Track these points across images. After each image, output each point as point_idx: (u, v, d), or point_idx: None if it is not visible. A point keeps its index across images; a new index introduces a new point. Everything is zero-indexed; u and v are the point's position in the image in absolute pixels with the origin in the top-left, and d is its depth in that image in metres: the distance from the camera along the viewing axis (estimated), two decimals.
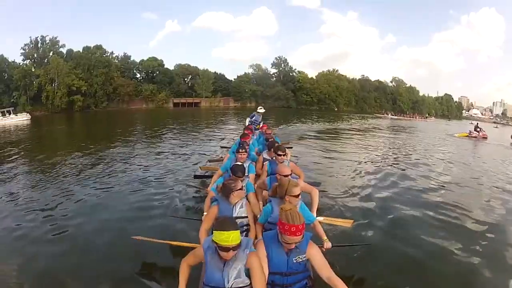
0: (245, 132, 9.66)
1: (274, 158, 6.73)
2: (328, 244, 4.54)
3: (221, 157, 10.81)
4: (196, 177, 9.79)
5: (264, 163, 7.12)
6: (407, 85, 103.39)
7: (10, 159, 16.17)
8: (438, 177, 12.98)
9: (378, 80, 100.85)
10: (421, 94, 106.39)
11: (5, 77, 61.90)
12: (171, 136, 25.34)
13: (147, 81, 77.36)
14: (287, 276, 3.43)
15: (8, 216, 8.08)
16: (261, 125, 13.10)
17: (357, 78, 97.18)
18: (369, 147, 21.98)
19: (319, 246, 3.64)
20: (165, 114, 58.27)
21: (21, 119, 49.75)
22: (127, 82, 73.07)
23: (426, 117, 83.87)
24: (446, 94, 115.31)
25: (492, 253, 6.49)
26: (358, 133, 33.21)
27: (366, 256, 5.87)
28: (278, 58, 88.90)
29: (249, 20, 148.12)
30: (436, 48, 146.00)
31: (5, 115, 49.57)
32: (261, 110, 15.13)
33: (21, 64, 64.85)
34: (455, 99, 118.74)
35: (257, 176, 7.09)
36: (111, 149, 18.38)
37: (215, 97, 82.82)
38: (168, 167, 13.20)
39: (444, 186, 11.42)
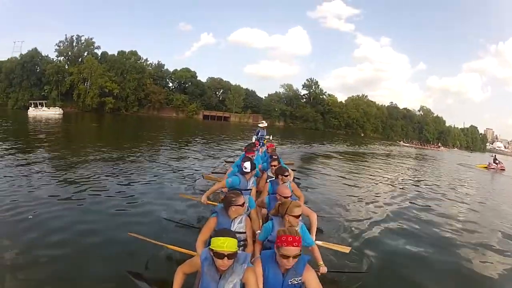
0: (251, 148, 9.46)
1: (277, 178, 6.56)
2: (324, 269, 4.44)
3: (226, 170, 10.64)
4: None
5: (267, 181, 6.94)
6: (434, 115, 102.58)
7: (31, 148, 16.91)
8: (448, 210, 12.37)
9: (406, 108, 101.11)
10: (447, 124, 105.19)
11: (37, 70, 63.92)
12: (194, 146, 25.46)
13: (179, 91, 79.03)
14: None
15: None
16: (267, 141, 13.09)
17: (386, 105, 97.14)
18: (382, 174, 21.44)
19: (315, 270, 3.49)
20: (194, 125, 59.11)
21: (54, 112, 51.76)
22: (159, 90, 74.77)
23: (439, 147, 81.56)
24: (472, 125, 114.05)
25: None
26: (375, 159, 32.90)
27: (361, 284, 5.64)
28: (309, 80, 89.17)
29: (284, 39, 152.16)
30: (465, 78, 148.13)
31: (37, 106, 51.71)
32: (262, 124, 15.13)
33: (54, 60, 67.10)
34: (481, 130, 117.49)
35: (258, 192, 7.04)
36: (132, 152, 18.67)
37: (245, 113, 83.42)
38: (178, 174, 13.30)
39: (453, 220, 10.90)
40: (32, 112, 49.53)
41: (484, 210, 13.31)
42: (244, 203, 4.47)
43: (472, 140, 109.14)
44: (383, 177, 19.27)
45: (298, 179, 11.92)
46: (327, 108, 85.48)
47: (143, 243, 5.57)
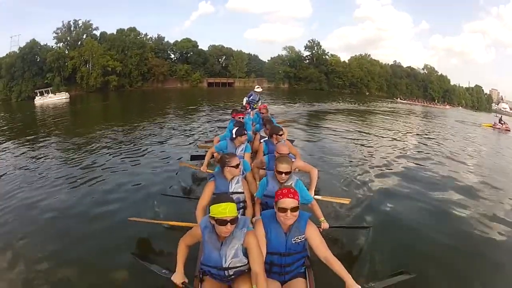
0: (238, 111, 9.51)
1: (270, 138, 6.63)
2: (325, 225, 4.52)
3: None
4: (192, 158, 9.60)
5: (261, 142, 7.01)
6: (438, 73, 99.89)
7: (40, 135, 17.34)
8: (454, 167, 12.27)
9: (410, 67, 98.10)
10: (452, 83, 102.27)
11: (38, 60, 62.64)
12: (197, 115, 25.33)
13: (182, 62, 77.57)
14: (286, 256, 3.35)
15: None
16: (259, 105, 13.00)
17: (389, 64, 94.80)
18: (386, 130, 21.31)
19: (317, 227, 3.52)
20: (199, 93, 58.37)
21: (60, 98, 51.57)
22: (162, 62, 73.48)
23: (446, 105, 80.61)
24: (477, 85, 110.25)
25: (496, 241, 6.39)
26: (378, 116, 32.69)
27: (364, 239, 5.75)
28: (311, 41, 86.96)
29: (284, 2, 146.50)
30: (468, 38, 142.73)
31: (43, 94, 51.61)
32: (258, 89, 14.90)
33: (54, 47, 65.74)
34: (486, 91, 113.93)
35: (253, 153, 7.07)
36: (135, 127, 18.90)
37: (249, 77, 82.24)
38: (181, 143, 13.58)
39: (458, 177, 10.80)
40: (38, 100, 49.35)
41: (491, 169, 13.05)
42: (238, 164, 4.51)
43: (478, 99, 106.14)
44: (387, 134, 19.35)
45: (292, 138, 11.79)
46: (330, 68, 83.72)
47: (144, 224, 5.63)
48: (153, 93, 59.68)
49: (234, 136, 6.52)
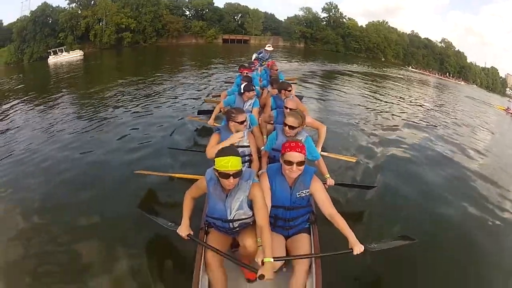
0: (245, 66, 9.27)
1: (278, 93, 6.47)
2: (331, 181, 4.50)
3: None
4: (199, 112, 9.56)
5: (269, 97, 6.87)
6: (455, 49, 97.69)
7: (52, 92, 17.81)
8: (464, 141, 11.86)
9: (428, 38, 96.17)
10: (468, 61, 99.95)
11: (50, 22, 62.09)
12: (211, 70, 25.26)
13: (197, 19, 76.56)
14: (290, 210, 3.34)
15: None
16: (268, 62, 12.80)
17: (407, 33, 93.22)
18: (399, 97, 20.95)
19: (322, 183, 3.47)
20: (214, 49, 57.73)
21: (75, 55, 51.22)
22: (177, 19, 72.53)
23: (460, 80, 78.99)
24: (492, 67, 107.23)
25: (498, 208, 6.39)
26: (391, 82, 32.09)
27: (368, 199, 5.74)
28: (328, 4, 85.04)
29: None
30: (488, 19, 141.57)
31: (56, 53, 51.52)
32: (269, 48, 14.64)
33: (66, 8, 64.86)
34: (501, 75, 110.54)
35: (261, 108, 6.95)
36: (147, 81, 19.09)
37: (265, 35, 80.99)
38: (190, 98, 13.55)
39: (468, 151, 10.49)
40: (52, 59, 49.23)
41: (502, 150, 12.67)
42: (244, 121, 4.43)
43: (493, 81, 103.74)
44: (398, 100, 18.98)
45: (301, 95, 11.50)
46: (347, 32, 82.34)
47: (150, 177, 5.67)
48: (168, 49, 59.22)
49: (242, 91, 6.43)
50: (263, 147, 4.75)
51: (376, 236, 4.45)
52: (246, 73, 8.46)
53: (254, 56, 14.60)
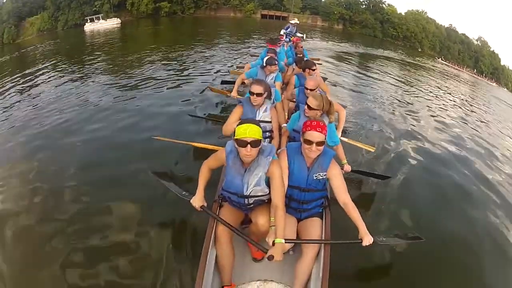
0: (273, 41, 9.14)
1: (303, 72, 6.38)
2: (348, 167, 4.50)
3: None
4: (223, 82, 9.54)
5: (293, 75, 6.75)
6: (491, 49, 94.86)
7: (85, 59, 18.20)
8: (490, 142, 10.97)
9: (465, 34, 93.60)
10: (502, 63, 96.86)
11: None
12: (246, 43, 25.32)
13: None
14: (305, 192, 3.30)
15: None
16: (294, 38, 12.68)
17: (445, 26, 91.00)
18: (429, 90, 20.02)
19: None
20: (251, 24, 57.50)
21: (112, 23, 52.22)
22: None
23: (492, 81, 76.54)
24: None
25: None
26: (424, 74, 31.03)
27: (383, 188, 5.67)
28: None
29: None
30: None
31: (93, 21, 52.28)
32: (293, 21, 14.50)
33: None
34: None
35: (285, 85, 6.97)
36: (181, 51, 19.38)
37: (304, 13, 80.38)
38: (216, 72, 13.23)
39: (490, 151, 9.79)
40: (89, 27, 49.98)
41: None
42: (261, 93, 4.32)
43: None
44: (428, 94, 18.17)
45: (325, 76, 11.35)
46: (386, 17, 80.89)
47: (168, 144, 5.65)
48: (205, 21, 59.04)
49: (264, 64, 6.41)
50: (284, 124, 4.69)
51: (384, 229, 4.51)
52: (274, 48, 8.28)
53: (282, 31, 14.60)
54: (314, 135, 3.05)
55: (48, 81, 13.23)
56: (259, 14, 76.33)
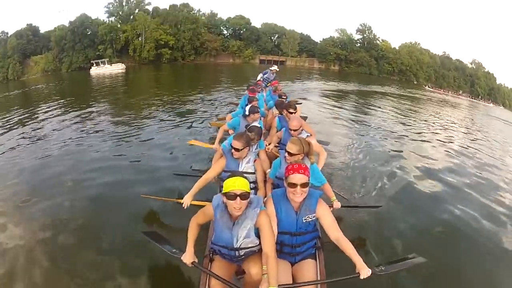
0: (253, 87, 9.05)
1: (284, 114, 6.45)
2: (337, 204, 4.36)
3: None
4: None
5: (274, 118, 6.80)
6: (485, 70, 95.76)
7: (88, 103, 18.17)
8: (488, 161, 11.23)
9: (459, 59, 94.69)
10: (497, 82, 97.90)
11: (89, 33, 63.99)
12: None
13: (234, 38, 78.05)
14: (297, 236, 3.26)
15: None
16: (272, 82, 12.96)
17: (439, 55, 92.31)
18: (417, 118, 20.16)
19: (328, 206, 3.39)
20: (250, 69, 57.37)
21: (117, 68, 53.15)
22: (215, 37, 74.23)
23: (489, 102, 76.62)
24: None
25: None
26: (417, 103, 31.58)
27: (375, 218, 5.66)
28: (362, 25, 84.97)
29: None
30: None
31: (99, 65, 53.50)
32: (273, 67, 14.62)
33: (105, 21, 67.25)
34: None
35: (267, 130, 6.97)
36: (178, 99, 19.58)
37: (301, 57, 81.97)
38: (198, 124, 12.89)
39: (477, 171, 9.82)
40: (94, 70, 51.28)
41: None
42: (239, 149, 4.25)
43: None
44: (419, 121, 18.55)
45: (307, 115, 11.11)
46: (380, 54, 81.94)
47: (156, 202, 5.61)
48: (205, 67, 60.17)
49: (247, 113, 6.32)
50: (268, 170, 4.60)
51: (383, 258, 4.43)
52: (253, 96, 8.25)
53: (259, 76, 14.62)
54: (297, 177, 3.02)
55: (49, 122, 13.48)
56: (258, 60, 77.84)
